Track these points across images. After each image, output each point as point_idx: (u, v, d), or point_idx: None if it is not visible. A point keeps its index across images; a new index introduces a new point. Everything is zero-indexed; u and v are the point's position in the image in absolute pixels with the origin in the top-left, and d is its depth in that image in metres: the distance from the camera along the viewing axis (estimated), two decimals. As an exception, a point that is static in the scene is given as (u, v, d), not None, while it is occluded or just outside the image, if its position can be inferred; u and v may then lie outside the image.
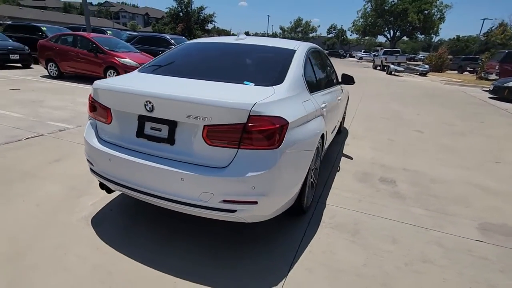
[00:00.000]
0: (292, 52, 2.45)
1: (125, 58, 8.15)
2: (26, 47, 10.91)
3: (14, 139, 3.80)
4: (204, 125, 1.69)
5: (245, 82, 2.01)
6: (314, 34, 70.51)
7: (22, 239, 2.02)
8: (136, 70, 2.47)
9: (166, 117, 1.78)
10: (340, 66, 29.36)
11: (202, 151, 1.74)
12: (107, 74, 8.18)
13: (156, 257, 1.93)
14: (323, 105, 2.56)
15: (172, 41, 10.31)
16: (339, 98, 3.66)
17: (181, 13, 28.25)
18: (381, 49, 28.50)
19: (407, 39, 47.82)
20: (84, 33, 9.05)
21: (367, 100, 9.01)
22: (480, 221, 2.65)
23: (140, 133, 1.89)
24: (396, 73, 20.91)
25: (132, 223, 2.30)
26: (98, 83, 2.07)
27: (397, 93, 11.25)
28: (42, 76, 9.14)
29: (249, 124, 1.64)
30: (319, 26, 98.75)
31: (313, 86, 2.56)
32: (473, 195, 3.18)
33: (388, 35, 41.82)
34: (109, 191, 2.28)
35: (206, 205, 1.73)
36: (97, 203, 2.51)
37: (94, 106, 2.07)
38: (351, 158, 4.02)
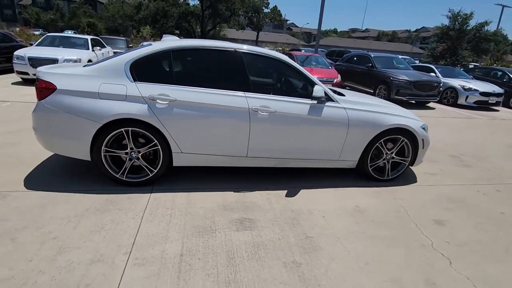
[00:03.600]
0: (141, 47, 2.83)
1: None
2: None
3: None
4: (37, 83, 2.95)
5: (87, 64, 2.96)
6: None
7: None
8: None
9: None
10: None
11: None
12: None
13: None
14: (155, 96, 2.61)
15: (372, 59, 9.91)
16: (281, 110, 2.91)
17: (452, 31, 22.00)
18: None
19: None
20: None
21: None
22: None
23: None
24: None
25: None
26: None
27: None
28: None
29: (36, 82, 2.71)
30: None
31: (152, 78, 2.73)
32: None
33: None
34: None
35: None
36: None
37: None
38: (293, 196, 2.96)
